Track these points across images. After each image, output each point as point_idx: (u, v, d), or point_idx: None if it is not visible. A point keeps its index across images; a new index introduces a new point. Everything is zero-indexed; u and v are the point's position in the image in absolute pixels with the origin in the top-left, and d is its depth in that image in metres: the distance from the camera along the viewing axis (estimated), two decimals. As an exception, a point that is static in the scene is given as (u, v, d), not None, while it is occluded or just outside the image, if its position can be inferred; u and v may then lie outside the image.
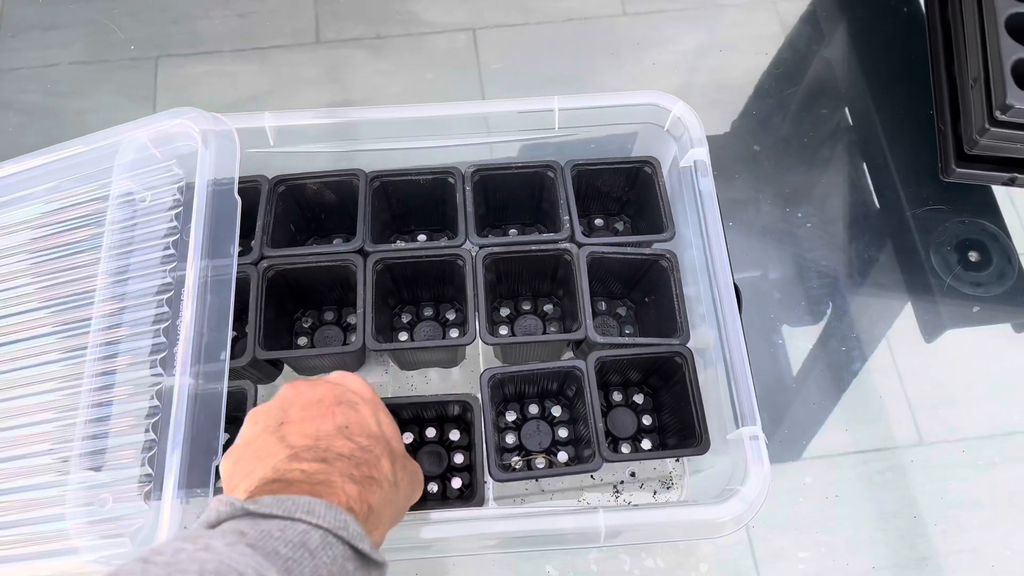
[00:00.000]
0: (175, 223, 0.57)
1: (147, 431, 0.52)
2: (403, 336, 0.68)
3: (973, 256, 0.76)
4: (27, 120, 0.83)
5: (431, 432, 0.64)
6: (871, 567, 0.64)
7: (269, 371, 0.65)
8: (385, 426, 0.48)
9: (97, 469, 0.52)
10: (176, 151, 0.60)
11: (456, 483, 0.62)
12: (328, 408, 0.46)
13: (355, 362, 0.66)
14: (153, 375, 0.53)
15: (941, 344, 0.73)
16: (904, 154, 0.80)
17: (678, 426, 0.62)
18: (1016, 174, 0.70)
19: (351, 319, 0.68)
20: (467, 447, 0.63)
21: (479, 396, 0.59)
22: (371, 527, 0.42)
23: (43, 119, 0.83)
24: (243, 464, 0.44)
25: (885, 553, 0.65)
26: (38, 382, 0.57)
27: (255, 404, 0.58)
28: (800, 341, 0.73)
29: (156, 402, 0.52)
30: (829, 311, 0.74)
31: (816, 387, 0.71)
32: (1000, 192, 0.78)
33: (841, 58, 0.86)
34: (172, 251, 0.56)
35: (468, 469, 0.62)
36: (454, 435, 0.63)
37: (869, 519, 0.66)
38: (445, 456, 0.63)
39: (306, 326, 0.68)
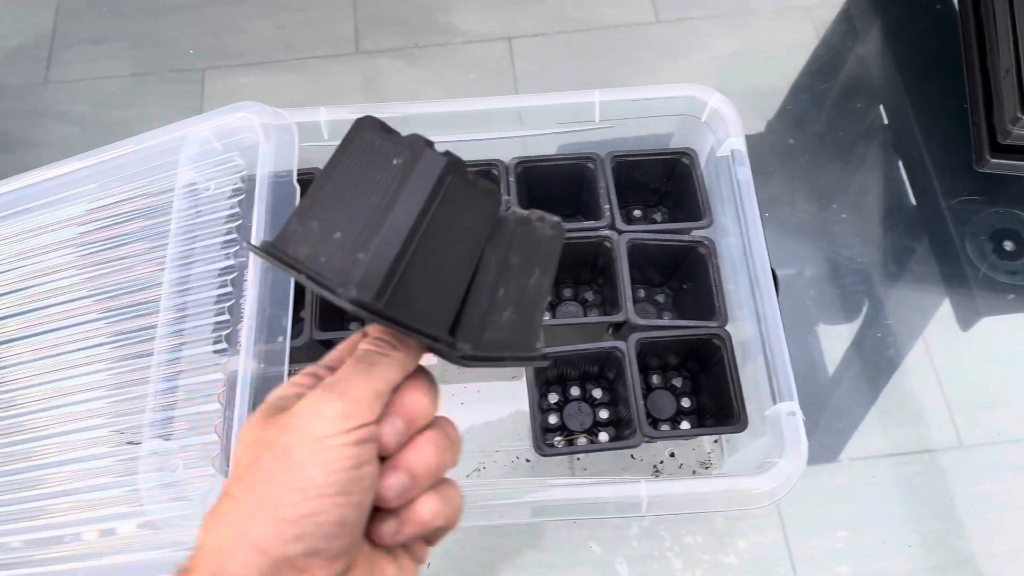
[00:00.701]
0: (237, 209, 0.61)
1: (213, 403, 0.55)
2: (449, 321, 0.70)
3: (1008, 245, 0.77)
4: (79, 130, 0.87)
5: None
6: (910, 569, 0.65)
7: (323, 353, 0.68)
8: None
9: (167, 438, 0.55)
10: (238, 144, 0.63)
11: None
12: None
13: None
14: (217, 351, 0.57)
15: (977, 336, 0.74)
16: (938, 147, 0.82)
17: (716, 407, 0.64)
18: (1050, 163, 0.71)
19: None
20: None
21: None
22: None
23: (94, 129, 0.87)
24: None
25: (923, 555, 0.65)
26: (105, 360, 0.61)
27: None
28: (834, 341, 0.74)
29: (221, 376, 0.56)
30: (864, 309, 0.75)
31: (852, 388, 0.72)
32: (1034, 182, 0.79)
33: (875, 54, 0.87)
34: (235, 235, 0.60)
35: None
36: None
37: (907, 521, 0.66)
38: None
39: (356, 312, 0.71)
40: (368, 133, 0.36)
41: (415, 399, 0.36)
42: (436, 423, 0.36)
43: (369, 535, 0.34)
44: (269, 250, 0.33)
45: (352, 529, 0.32)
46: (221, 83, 0.89)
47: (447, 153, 0.35)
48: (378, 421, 0.33)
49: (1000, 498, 0.67)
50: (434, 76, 0.89)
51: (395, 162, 0.34)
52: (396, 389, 0.35)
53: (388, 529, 0.34)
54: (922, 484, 0.68)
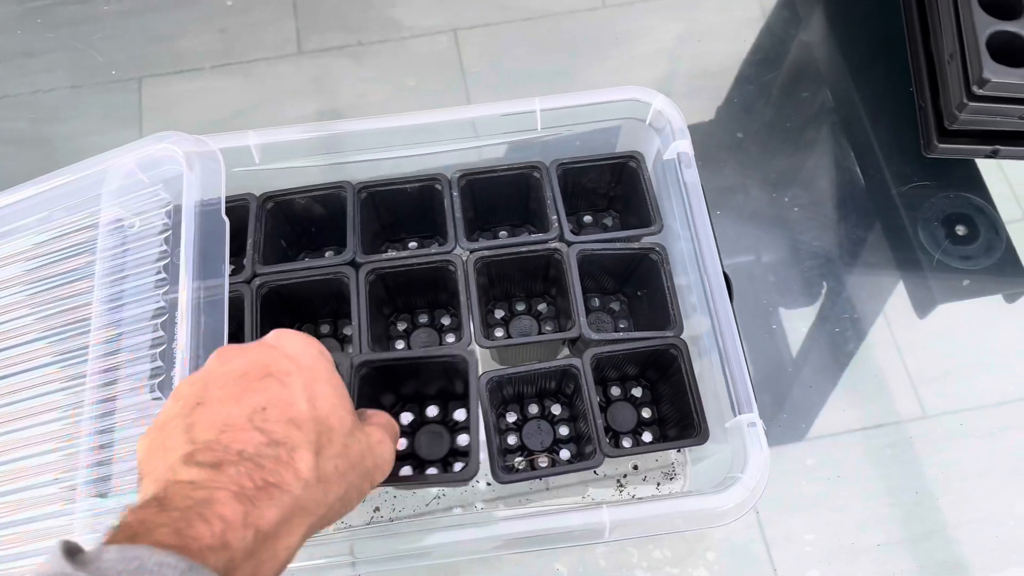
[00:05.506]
0: (165, 247, 0.58)
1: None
2: (400, 344, 0.68)
3: (960, 230, 0.76)
4: (16, 148, 0.83)
5: (433, 411, 0.64)
6: (881, 542, 0.65)
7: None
8: (320, 402, 0.41)
9: (103, 496, 0.52)
10: (162, 175, 0.60)
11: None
12: (250, 384, 0.40)
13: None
14: (153, 399, 0.54)
15: (935, 318, 0.74)
16: (886, 132, 0.81)
17: (677, 417, 0.63)
18: (998, 146, 0.71)
19: (347, 330, 0.69)
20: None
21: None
22: (264, 555, 0.35)
23: (32, 146, 0.83)
24: (151, 456, 0.39)
25: (894, 528, 0.65)
26: (40, 412, 0.58)
27: None
28: (796, 323, 0.74)
29: (158, 426, 0.53)
30: (824, 291, 0.75)
31: (816, 367, 0.72)
32: (984, 165, 0.79)
33: (819, 40, 0.86)
34: (164, 275, 0.57)
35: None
36: (460, 415, 0.63)
37: (876, 495, 0.67)
38: (448, 437, 0.63)
39: (303, 340, 0.68)
40: None
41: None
42: None
43: None
44: None
45: None
46: (160, 91, 0.86)
47: None
48: None
49: (966, 466, 0.68)
50: (380, 73, 0.87)
51: None
52: None
53: None
54: (891, 457, 0.68)
